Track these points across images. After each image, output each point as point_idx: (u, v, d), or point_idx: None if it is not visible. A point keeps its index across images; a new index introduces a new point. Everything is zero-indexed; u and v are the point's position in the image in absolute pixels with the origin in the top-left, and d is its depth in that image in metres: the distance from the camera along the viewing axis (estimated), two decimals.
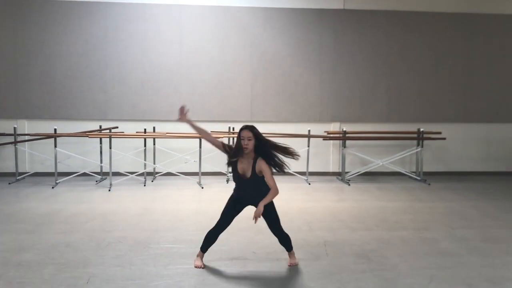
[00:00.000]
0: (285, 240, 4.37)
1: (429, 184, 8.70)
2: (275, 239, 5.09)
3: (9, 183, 8.31)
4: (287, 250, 4.42)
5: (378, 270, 4.23)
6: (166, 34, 9.20)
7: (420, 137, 9.12)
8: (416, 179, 9.12)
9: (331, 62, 9.49)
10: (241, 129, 4.14)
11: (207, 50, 9.28)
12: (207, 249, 4.36)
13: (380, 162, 9.07)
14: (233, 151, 4.20)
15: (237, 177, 4.23)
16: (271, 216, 4.29)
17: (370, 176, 9.36)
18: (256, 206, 4.15)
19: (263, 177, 4.13)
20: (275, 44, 9.37)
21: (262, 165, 4.10)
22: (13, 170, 8.71)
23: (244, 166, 4.15)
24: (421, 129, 9.11)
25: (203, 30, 9.26)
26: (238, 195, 4.31)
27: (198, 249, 4.58)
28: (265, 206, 4.12)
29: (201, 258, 4.34)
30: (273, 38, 9.36)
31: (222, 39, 9.29)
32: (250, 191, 4.20)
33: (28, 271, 4.10)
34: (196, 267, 4.25)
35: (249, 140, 4.08)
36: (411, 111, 9.65)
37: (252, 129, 4.12)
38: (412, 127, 9.45)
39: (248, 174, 4.14)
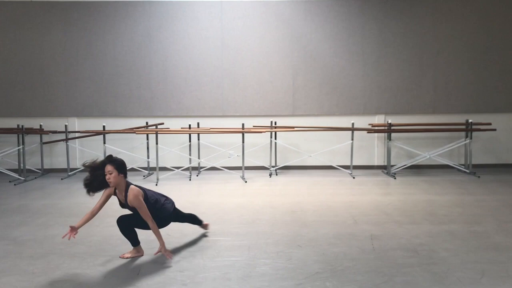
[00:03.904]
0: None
1: (478, 176, 8.43)
2: (321, 233, 5.10)
3: (62, 179, 8.67)
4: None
5: (427, 264, 4.14)
6: (207, 30, 9.31)
7: (468, 129, 8.83)
8: (465, 171, 8.85)
9: (375, 53, 9.32)
10: (105, 163, 4.24)
11: (248, 44, 9.32)
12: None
13: (427, 155, 8.85)
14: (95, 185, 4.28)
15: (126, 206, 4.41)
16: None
17: (416, 169, 9.16)
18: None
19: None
20: (316, 36, 9.30)
21: (133, 201, 4.24)
22: (65, 166, 9.08)
23: (120, 197, 4.39)
24: (470, 120, 8.82)
25: (244, 25, 9.30)
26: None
27: (245, 242, 4.67)
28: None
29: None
30: (314, 30, 9.29)
31: (263, 33, 9.31)
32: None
33: (82, 262, 4.27)
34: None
35: (110, 173, 4.19)
36: (459, 102, 9.36)
37: (112, 162, 4.24)
38: (460, 118, 9.16)
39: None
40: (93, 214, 4.28)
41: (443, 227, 5.27)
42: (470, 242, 4.74)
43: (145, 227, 4.34)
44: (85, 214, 4.31)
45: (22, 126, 8.83)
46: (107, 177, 4.19)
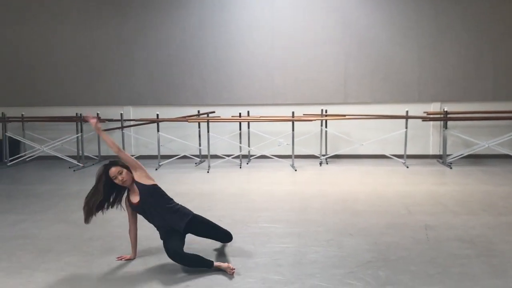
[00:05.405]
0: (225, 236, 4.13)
1: None
2: (373, 222, 5.01)
3: None
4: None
5: (485, 256, 3.98)
6: (258, 18, 9.29)
7: None
8: None
9: (431, 38, 8.99)
10: (107, 169, 3.85)
11: (298, 32, 9.23)
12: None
13: (486, 144, 8.47)
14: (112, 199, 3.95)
15: (140, 209, 3.95)
16: (208, 225, 4.08)
17: (474, 159, 8.80)
18: (170, 225, 3.90)
19: (153, 186, 3.95)
20: (369, 22, 9.07)
21: (137, 175, 3.93)
22: None
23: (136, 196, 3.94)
24: None
25: (295, 12, 9.21)
26: (163, 228, 3.93)
27: (295, 229, 4.68)
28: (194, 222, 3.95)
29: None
30: (367, 15, 9.07)
31: (314, 20, 9.19)
32: (158, 213, 3.91)
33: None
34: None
35: (120, 173, 3.84)
36: None
37: (116, 163, 3.91)
38: None
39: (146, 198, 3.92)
40: (136, 234, 4.08)
41: (503, 219, 5.05)
42: None
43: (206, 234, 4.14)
44: (130, 239, 4.12)
45: (81, 114, 9.20)
46: (119, 179, 3.84)
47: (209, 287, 3.52)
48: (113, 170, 3.85)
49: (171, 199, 4.03)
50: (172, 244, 3.76)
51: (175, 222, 3.90)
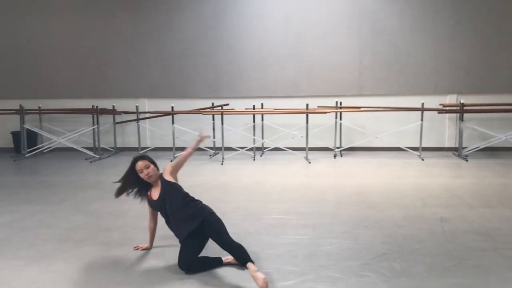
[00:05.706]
0: (238, 251, 3.63)
1: None
2: (388, 215, 5.01)
3: (133, 157, 9.04)
4: (242, 263, 3.56)
5: (502, 249, 3.96)
6: (272, 10, 9.26)
7: None
8: None
9: (448, 30, 8.88)
10: (134, 162, 3.90)
11: (313, 23, 9.19)
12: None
13: (503, 137, 8.36)
14: (136, 191, 3.99)
15: (158, 205, 3.89)
16: (215, 230, 3.73)
17: (491, 151, 8.70)
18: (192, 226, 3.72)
19: (176, 184, 3.93)
20: (385, 13, 8.99)
21: (167, 172, 3.95)
22: (136, 145, 9.47)
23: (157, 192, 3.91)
24: None
25: (309, 3, 9.16)
26: (180, 232, 3.80)
27: (310, 221, 4.69)
28: (206, 220, 3.73)
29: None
30: (383, 6, 8.98)
31: (329, 11, 9.13)
32: (173, 211, 3.80)
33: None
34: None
35: (147, 168, 3.85)
36: None
37: (145, 157, 3.94)
38: None
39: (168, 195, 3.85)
40: (155, 228, 4.10)
41: None
42: None
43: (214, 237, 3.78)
44: (148, 230, 4.14)
45: (97, 106, 9.29)
46: (145, 173, 3.84)
47: (223, 284, 3.55)
48: (140, 164, 3.87)
49: (195, 200, 3.91)
50: (185, 255, 3.67)
51: (189, 223, 3.76)
